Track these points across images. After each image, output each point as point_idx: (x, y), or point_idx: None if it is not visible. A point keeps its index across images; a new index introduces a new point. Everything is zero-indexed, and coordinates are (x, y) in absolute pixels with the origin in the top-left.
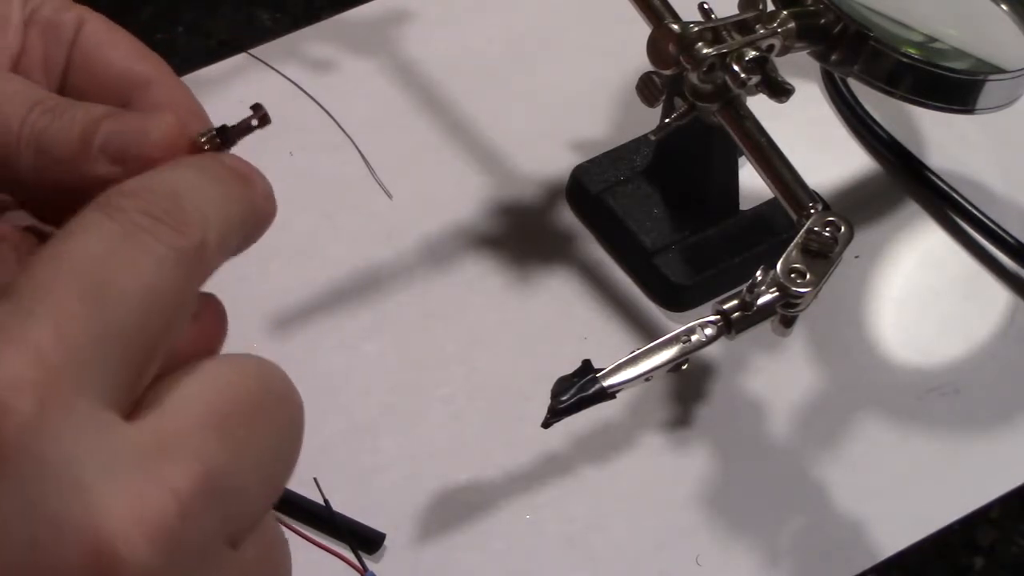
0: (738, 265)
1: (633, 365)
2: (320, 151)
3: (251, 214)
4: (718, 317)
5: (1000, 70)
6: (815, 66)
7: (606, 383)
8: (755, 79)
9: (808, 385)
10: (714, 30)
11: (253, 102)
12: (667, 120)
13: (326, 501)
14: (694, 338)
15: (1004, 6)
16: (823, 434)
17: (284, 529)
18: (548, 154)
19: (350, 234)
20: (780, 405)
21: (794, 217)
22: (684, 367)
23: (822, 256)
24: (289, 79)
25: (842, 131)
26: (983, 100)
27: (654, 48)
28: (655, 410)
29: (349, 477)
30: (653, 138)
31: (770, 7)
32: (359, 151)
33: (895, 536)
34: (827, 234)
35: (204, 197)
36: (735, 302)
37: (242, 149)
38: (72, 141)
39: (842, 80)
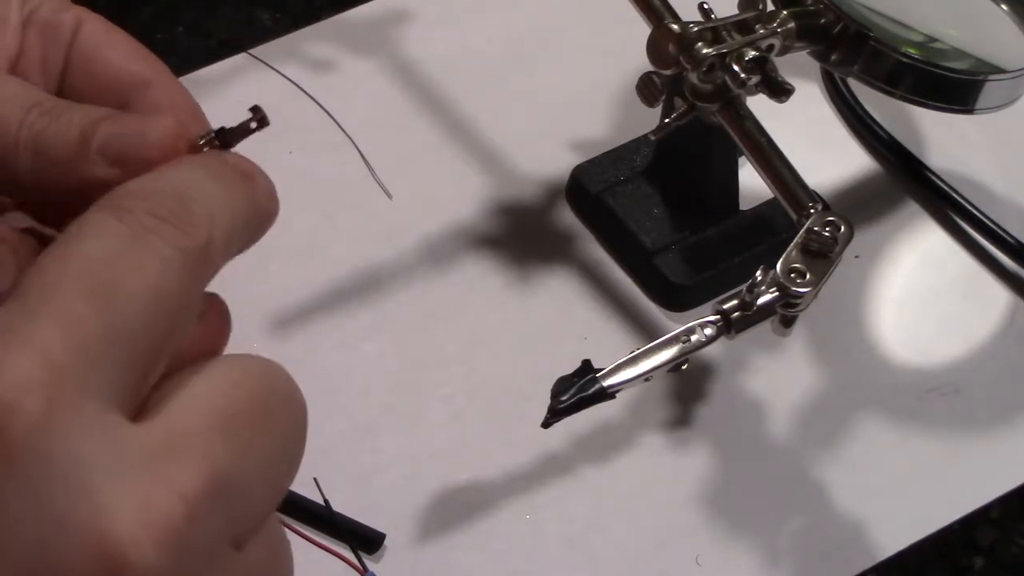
0: (738, 265)
1: (633, 365)
2: (320, 151)
3: (255, 213)
4: (718, 317)
5: (1000, 70)
6: (815, 66)
7: (606, 383)
8: (755, 79)
9: (808, 385)
10: (714, 30)
11: (253, 102)
12: (667, 120)
13: (326, 501)
14: (694, 338)
15: (1004, 6)
16: (823, 434)
17: (284, 529)
18: (548, 154)
19: (350, 234)
20: (780, 405)
21: (794, 217)
22: (684, 367)
23: (822, 256)
24: (289, 79)
25: (842, 131)
26: (983, 100)
27: (654, 48)
28: (655, 410)
29: (349, 477)
30: (653, 138)
31: (770, 7)
32: (359, 151)
33: (895, 536)
34: (827, 234)
35: (209, 197)
36: (735, 302)
37: (242, 149)
38: (70, 143)
39: (842, 80)
